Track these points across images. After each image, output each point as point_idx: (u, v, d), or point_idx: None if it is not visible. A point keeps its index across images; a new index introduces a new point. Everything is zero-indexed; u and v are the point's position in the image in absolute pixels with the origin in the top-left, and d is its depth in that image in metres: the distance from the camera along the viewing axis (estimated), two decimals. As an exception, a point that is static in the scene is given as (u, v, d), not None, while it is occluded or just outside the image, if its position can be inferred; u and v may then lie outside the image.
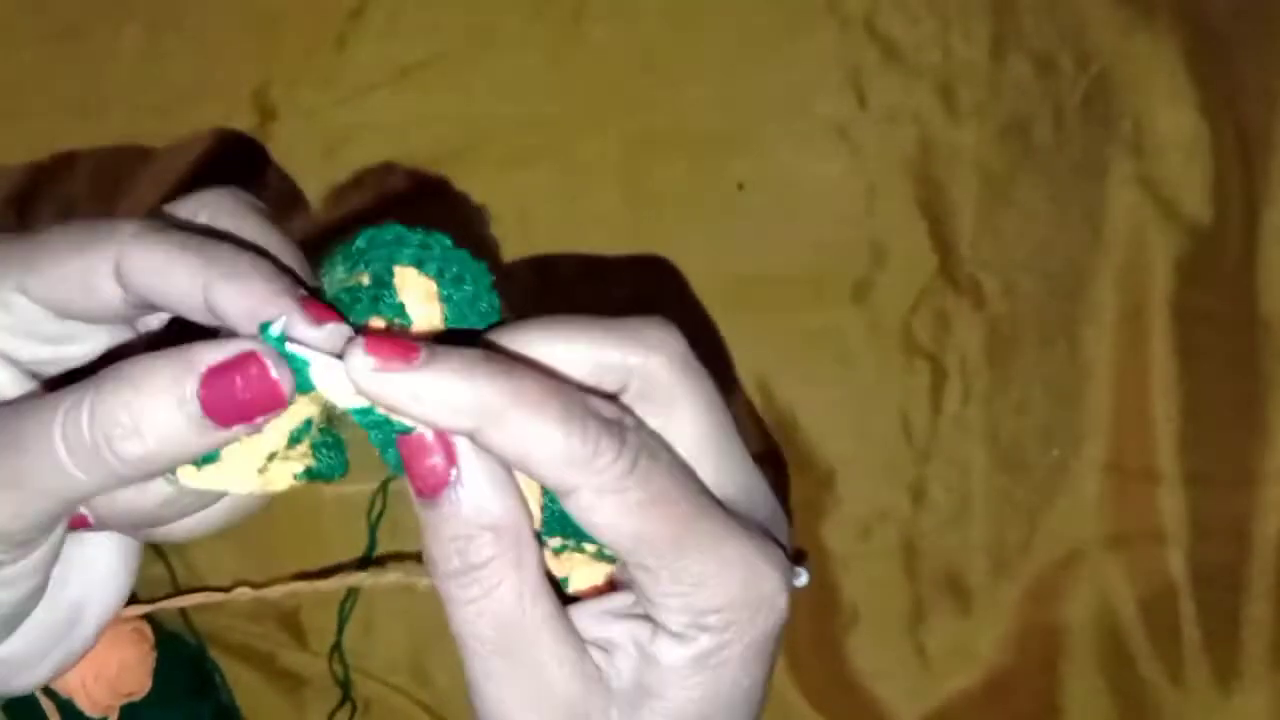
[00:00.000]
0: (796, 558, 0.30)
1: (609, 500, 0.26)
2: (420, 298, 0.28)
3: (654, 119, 0.66)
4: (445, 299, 0.28)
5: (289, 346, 0.26)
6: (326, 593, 0.62)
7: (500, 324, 0.29)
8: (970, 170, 0.65)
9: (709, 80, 0.66)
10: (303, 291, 0.27)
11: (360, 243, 0.28)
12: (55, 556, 0.30)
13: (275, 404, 0.26)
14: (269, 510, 0.31)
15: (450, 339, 0.27)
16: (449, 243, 0.28)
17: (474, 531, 0.27)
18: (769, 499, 0.30)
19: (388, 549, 0.63)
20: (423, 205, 0.65)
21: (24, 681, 0.32)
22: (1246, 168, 0.65)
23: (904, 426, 0.64)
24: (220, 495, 0.29)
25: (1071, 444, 0.64)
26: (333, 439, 0.30)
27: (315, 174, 0.65)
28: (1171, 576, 0.63)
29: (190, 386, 0.25)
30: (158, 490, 0.28)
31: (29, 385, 0.30)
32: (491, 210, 0.65)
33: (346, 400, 0.27)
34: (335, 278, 0.29)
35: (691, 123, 0.66)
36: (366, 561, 0.63)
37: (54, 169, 0.65)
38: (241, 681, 0.63)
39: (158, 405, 0.25)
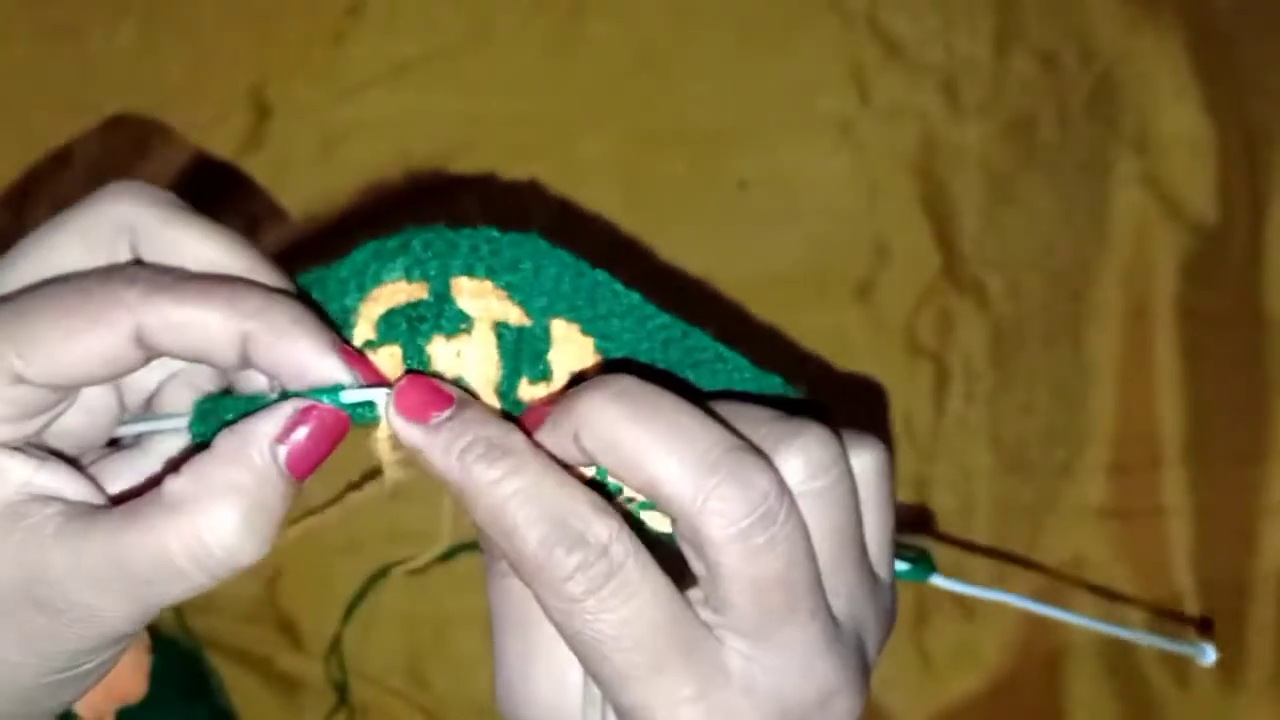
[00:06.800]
0: None
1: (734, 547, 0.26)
2: (479, 297, 0.30)
3: (654, 116, 0.65)
4: (505, 286, 0.30)
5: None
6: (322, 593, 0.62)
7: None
8: (974, 168, 0.65)
9: (709, 77, 0.66)
10: (341, 342, 0.28)
11: (416, 248, 0.30)
12: None
13: (343, 431, 0.28)
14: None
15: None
16: (494, 233, 0.31)
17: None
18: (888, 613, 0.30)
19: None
20: (421, 202, 0.64)
21: None
22: (1252, 166, 0.64)
23: (907, 427, 0.64)
24: None
25: (1076, 445, 0.63)
26: None
27: (312, 171, 0.64)
28: (1176, 578, 0.63)
29: (282, 491, 0.27)
30: None
31: (44, 465, 0.28)
32: (489, 208, 0.64)
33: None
34: (388, 276, 0.30)
35: (692, 120, 0.65)
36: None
37: (49, 166, 0.64)
38: (238, 685, 0.63)
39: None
